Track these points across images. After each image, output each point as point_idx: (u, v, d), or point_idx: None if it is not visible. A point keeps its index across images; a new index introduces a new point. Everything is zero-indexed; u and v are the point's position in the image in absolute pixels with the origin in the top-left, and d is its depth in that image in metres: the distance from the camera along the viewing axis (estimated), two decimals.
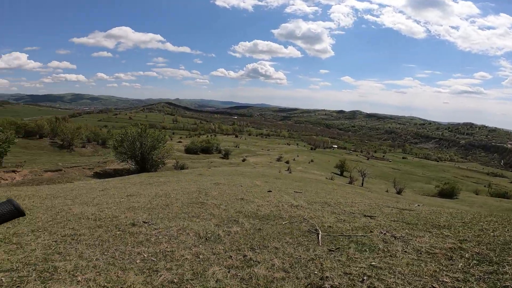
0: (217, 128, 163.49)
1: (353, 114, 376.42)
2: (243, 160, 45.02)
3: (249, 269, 2.64)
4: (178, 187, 7.96)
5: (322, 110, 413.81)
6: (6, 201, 0.62)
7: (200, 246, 3.22)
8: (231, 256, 2.93)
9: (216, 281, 2.41)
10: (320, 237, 3.45)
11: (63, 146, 47.22)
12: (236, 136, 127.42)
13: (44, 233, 3.58)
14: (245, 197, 6.03)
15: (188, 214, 4.60)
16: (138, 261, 2.77)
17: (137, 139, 20.90)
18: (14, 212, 0.60)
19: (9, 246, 3.06)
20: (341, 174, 50.03)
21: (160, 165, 22.27)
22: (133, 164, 21.88)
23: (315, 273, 2.53)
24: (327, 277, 2.42)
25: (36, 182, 16.58)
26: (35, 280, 2.32)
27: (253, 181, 9.96)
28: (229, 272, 2.59)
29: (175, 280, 2.42)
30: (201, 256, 2.91)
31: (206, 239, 3.46)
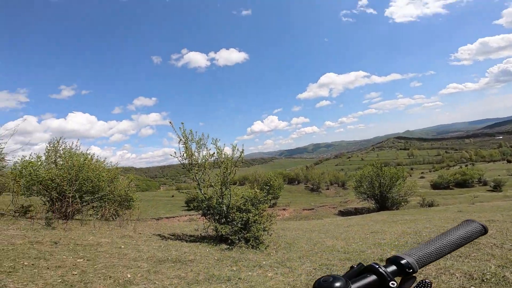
0: (473, 156, 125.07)
1: None
2: None
3: None
4: (430, 225, 6.67)
5: None
6: (469, 220, 0.73)
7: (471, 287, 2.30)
8: None
9: None
10: None
11: (313, 189, 57.10)
12: (509, 162, 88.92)
13: (307, 260, 4.22)
14: None
15: (451, 254, 3.57)
16: None
17: (374, 178, 20.87)
18: (482, 231, 0.70)
19: (283, 269, 3.86)
20: None
21: (402, 203, 20.24)
22: (373, 202, 21.64)
23: None
24: None
25: (298, 218, 20.85)
26: None
27: None
28: None
29: None
30: None
31: (483, 280, 2.44)
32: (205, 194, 6.65)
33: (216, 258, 4.58)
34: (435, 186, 44.95)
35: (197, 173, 6.72)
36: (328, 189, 58.91)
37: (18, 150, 8.45)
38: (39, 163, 7.55)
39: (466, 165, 78.91)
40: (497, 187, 36.29)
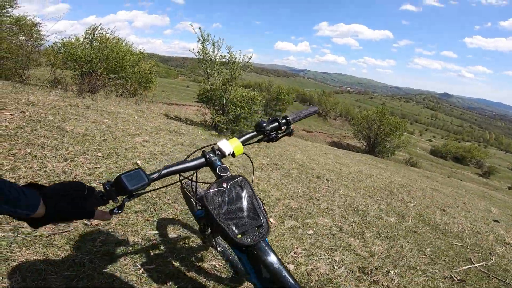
0: (492, 140, 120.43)
1: None
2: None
3: None
4: (386, 175, 7.70)
5: None
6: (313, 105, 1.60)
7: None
8: None
9: None
10: None
11: (321, 115, 57.77)
12: None
13: (267, 157, 5.40)
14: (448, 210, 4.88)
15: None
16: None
17: (375, 122, 21.37)
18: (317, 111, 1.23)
19: (244, 156, 5.04)
20: None
21: (389, 154, 21.53)
22: (365, 144, 22.89)
23: None
24: None
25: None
26: None
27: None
28: None
29: None
30: None
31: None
32: (211, 85, 7.69)
33: (203, 137, 5.83)
34: (434, 152, 45.34)
35: (208, 67, 7.71)
36: (335, 119, 59.67)
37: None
38: (77, 44, 9.01)
39: (478, 145, 77.19)
40: (486, 173, 36.77)
